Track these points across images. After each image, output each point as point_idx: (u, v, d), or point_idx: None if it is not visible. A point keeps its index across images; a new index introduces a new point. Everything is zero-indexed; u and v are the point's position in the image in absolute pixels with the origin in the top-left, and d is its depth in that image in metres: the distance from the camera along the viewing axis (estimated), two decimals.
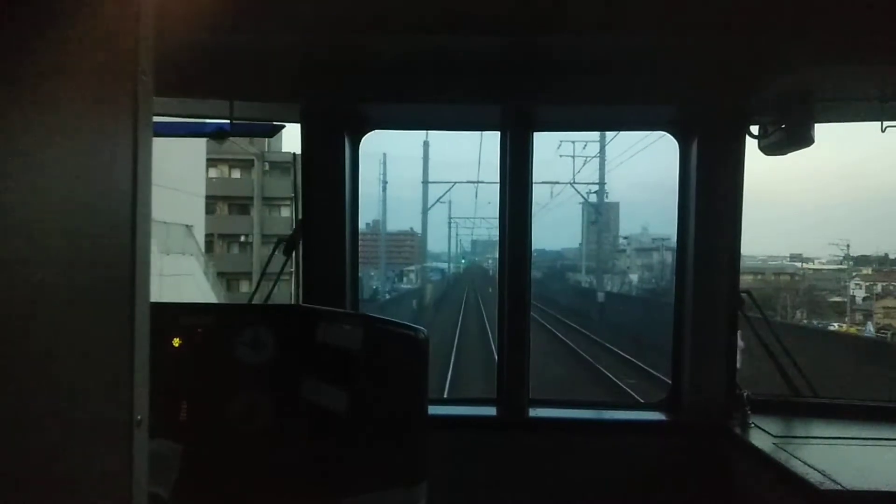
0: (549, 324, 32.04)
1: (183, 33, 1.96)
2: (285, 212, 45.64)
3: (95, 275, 0.89)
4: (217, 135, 3.17)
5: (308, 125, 3.12)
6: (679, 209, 3.23)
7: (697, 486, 2.96)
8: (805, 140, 2.73)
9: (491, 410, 3.24)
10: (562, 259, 77.45)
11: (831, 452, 2.62)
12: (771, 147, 2.89)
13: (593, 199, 40.42)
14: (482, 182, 47.39)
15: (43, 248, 0.81)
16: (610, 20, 2.38)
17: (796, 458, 2.47)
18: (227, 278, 41.17)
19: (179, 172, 22.48)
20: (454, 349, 23.46)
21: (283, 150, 44.46)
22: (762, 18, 2.32)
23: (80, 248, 0.86)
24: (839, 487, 2.19)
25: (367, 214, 49.74)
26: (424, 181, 42.35)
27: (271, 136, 3.65)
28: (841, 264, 56.22)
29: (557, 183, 39.88)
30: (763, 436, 2.80)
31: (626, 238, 67.97)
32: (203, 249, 30.38)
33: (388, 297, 38.62)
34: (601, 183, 38.74)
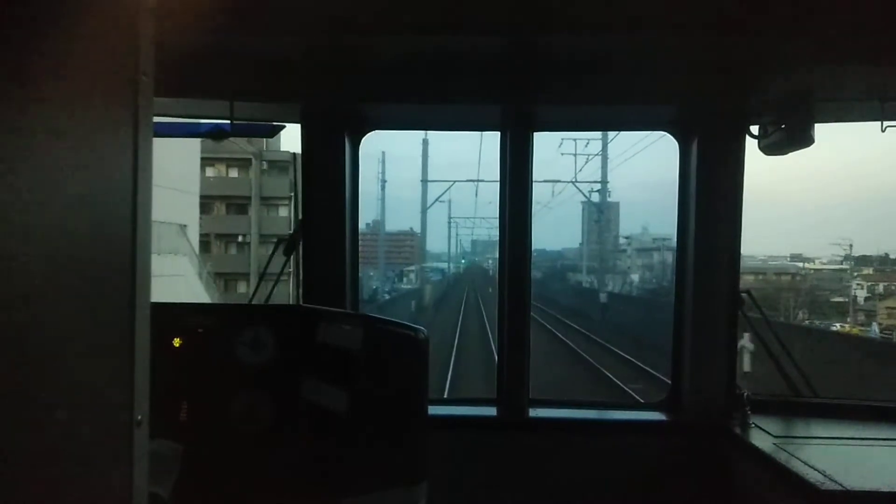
0: (550, 324, 32.03)
1: (183, 33, 1.96)
2: (283, 211, 45.55)
3: (96, 275, 0.89)
4: (217, 135, 3.17)
5: (308, 125, 3.12)
6: (679, 209, 3.23)
7: (697, 486, 2.96)
8: (805, 140, 2.73)
9: (491, 410, 3.24)
10: (562, 259, 77.48)
11: (831, 452, 2.62)
12: (771, 147, 2.90)
13: (595, 197, 40.44)
14: (482, 181, 47.36)
15: (43, 248, 0.81)
16: (610, 20, 2.38)
17: (796, 458, 2.47)
18: (224, 279, 41.09)
19: (173, 170, 22.30)
20: (454, 349, 23.46)
21: (282, 149, 44.33)
22: (762, 18, 2.32)
23: (80, 248, 0.86)
24: (839, 487, 2.19)
25: (366, 214, 49.77)
26: (423, 180, 42.38)
27: (271, 137, 3.65)
28: (842, 264, 56.22)
29: (559, 182, 39.96)
30: (763, 436, 2.80)
31: (626, 238, 67.97)
32: (197, 249, 30.00)
33: (387, 297, 38.65)
34: (603, 182, 38.73)
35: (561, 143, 39.49)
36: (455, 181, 58.01)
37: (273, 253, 3.23)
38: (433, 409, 2.09)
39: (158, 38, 0.95)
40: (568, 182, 38.85)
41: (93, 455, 0.88)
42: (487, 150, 45.94)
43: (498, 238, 3.32)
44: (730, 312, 3.10)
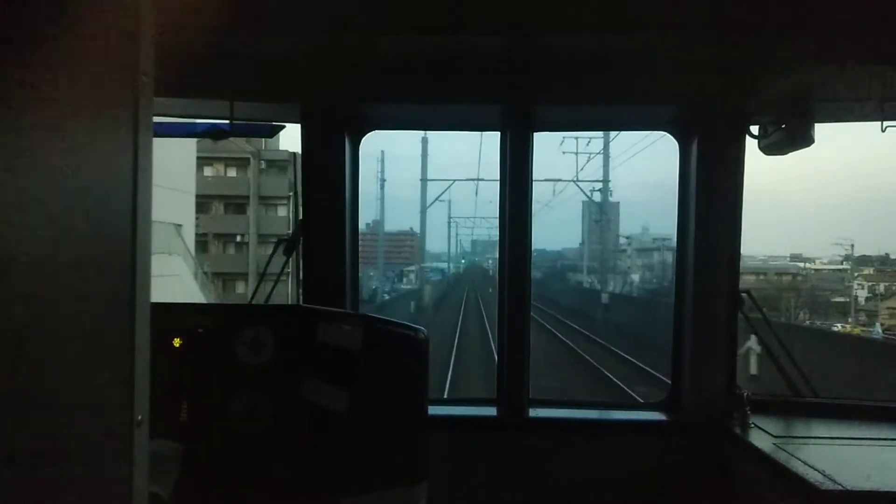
0: (550, 324, 32.03)
1: (183, 33, 1.96)
2: (282, 211, 45.45)
3: (96, 275, 0.89)
4: (217, 135, 3.17)
5: (308, 125, 3.12)
6: (679, 209, 3.23)
7: (697, 486, 2.96)
8: (805, 140, 2.74)
9: (491, 410, 3.24)
10: (562, 259, 77.49)
11: (831, 452, 2.62)
12: (771, 147, 2.90)
13: (596, 197, 40.38)
14: (482, 180, 47.28)
15: (43, 248, 0.81)
16: (610, 20, 2.38)
17: (796, 458, 2.47)
18: (223, 279, 41.02)
19: (168, 169, 22.13)
20: (454, 349, 23.46)
21: (280, 147, 44.22)
22: (762, 18, 2.32)
23: (80, 248, 0.86)
24: (839, 487, 2.18)
25: (366, 214, 49.75)
26: (423, 179, 42.28)
27: (271, 137, 3.65)
28: (842, 264, 56.23)
29: (560, 181, 39.92)
30: (763, 436, 2.80)
31: (626, 238, 67.99)
32: (192, 249, 29.71)
33: (387, 297, 38.63)
34: (605, 181, 38.65)
35: (562, 142, 39.59)
36: (455, 180, 58.09)
37: (273, 253, 3.23)
38: (433, 409, 2.09)
39: (158, 38, 0.95)
40: (569, 181, 38.86)
41: (93, 455, 0.88)
42: (487, 149, 46.03)
43: (498, 238, 3.33)
44: (730, 312, 3.10)
